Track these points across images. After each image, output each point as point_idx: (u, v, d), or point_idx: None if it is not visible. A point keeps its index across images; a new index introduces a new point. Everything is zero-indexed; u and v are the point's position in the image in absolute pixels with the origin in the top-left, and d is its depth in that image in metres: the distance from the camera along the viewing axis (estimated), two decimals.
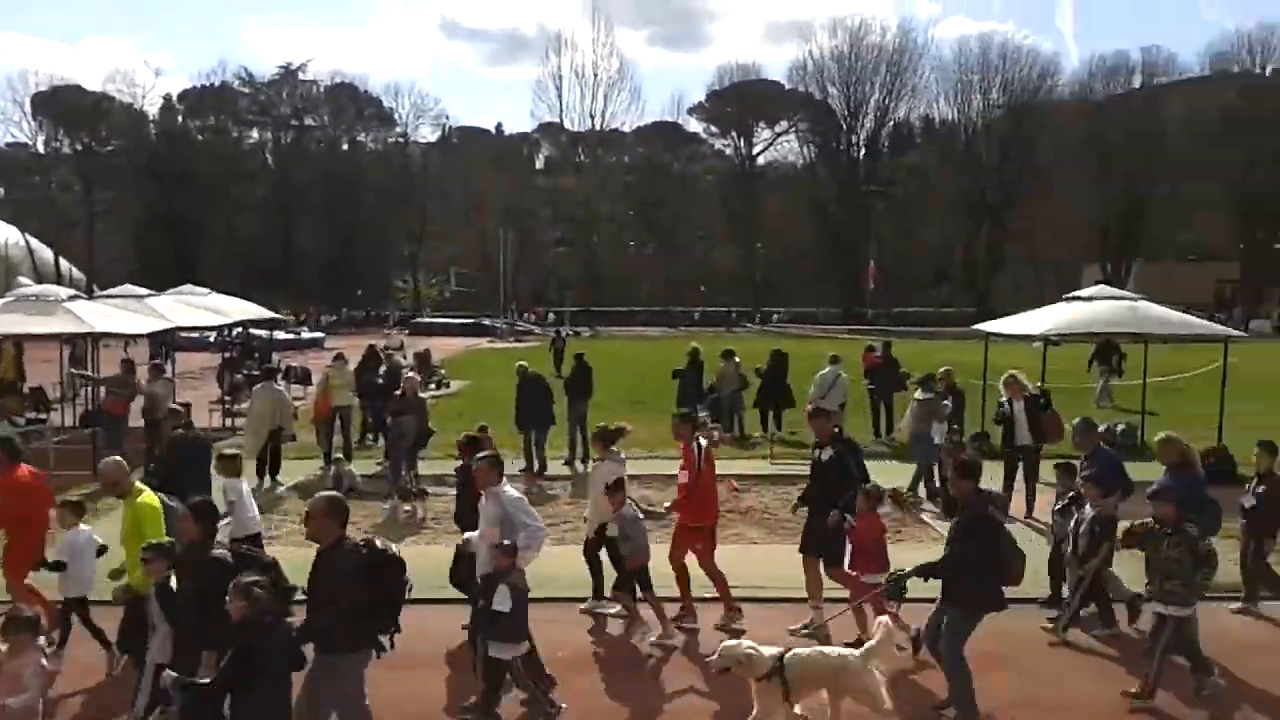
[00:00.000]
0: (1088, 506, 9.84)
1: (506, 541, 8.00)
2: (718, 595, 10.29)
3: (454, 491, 15.46)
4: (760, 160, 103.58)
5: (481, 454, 9.03)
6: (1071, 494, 10.36)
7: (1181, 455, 10.25)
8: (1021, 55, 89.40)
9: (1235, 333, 21.95)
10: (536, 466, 17.65)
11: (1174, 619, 8.22)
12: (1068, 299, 19.96)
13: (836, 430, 10.40)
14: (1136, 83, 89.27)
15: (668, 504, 10.58)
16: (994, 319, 23.81)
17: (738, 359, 21.99)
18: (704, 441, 10.56)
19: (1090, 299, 19.37)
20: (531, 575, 8.21)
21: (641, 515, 9.94)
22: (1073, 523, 9.96)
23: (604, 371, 26.07)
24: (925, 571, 7.93)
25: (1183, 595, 8.21)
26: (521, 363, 19.11)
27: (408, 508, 14.62)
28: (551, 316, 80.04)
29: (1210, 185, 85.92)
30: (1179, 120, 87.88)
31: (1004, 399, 15.06)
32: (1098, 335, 22.58)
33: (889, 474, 15.45)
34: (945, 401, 16.64)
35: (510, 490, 8.68)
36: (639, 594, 9.74)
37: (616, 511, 9.76)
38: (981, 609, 7.75)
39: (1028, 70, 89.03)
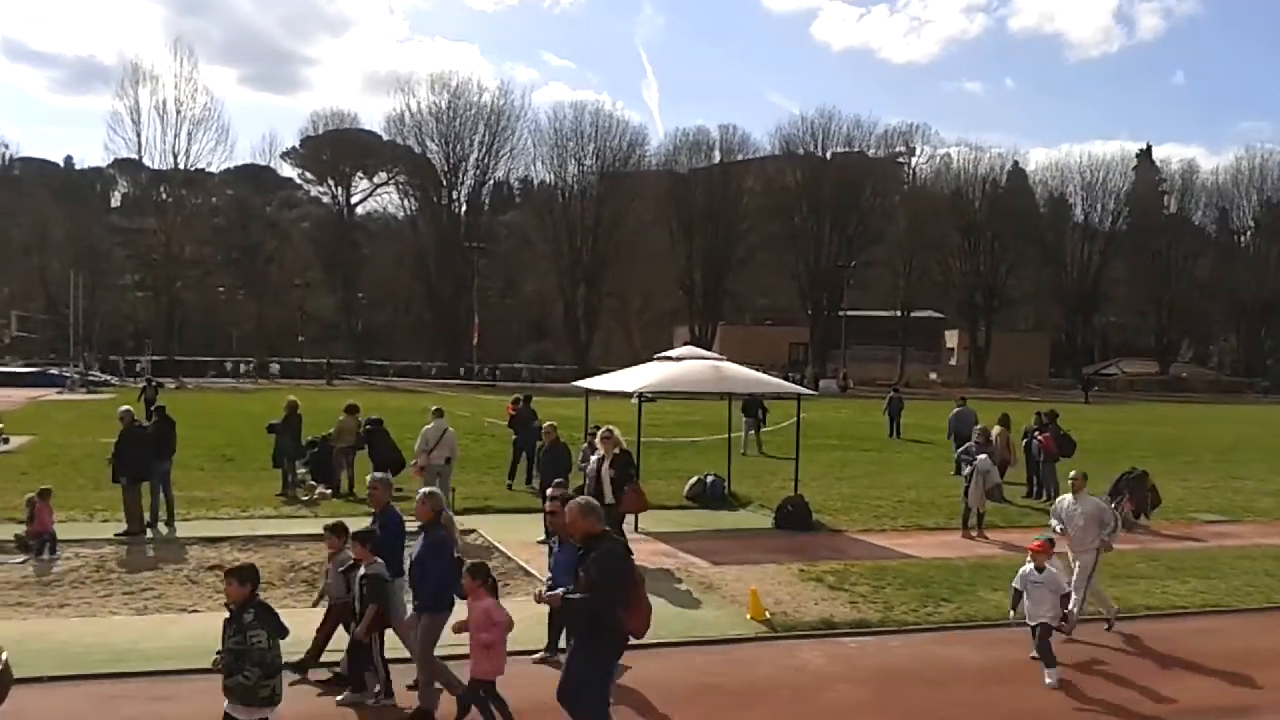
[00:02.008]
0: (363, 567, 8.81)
1: None
2: None
3: (16, 560, 13.97)
4: (360, 210, 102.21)
5: None
6: None
7: (435, 512, 8.80)
8: (613, 125, 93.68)
9: (806, 391, 23.98)
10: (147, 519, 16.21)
11: None
12: (659, 358, 20.91)
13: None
14: (716, 158, 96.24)
15: None
16: (593, 375, 24.62)
17: (360, 415, 21.17)
18: None
19: (680, 359, 20.38)
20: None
21: None
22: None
23: (192, 426, 24.47)
24: None
25: (243, 694, 6.76)
26: (126, 407, 17.38)
27: None
28: (141, 365, 73.22)
29: (782, 256, 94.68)
30: (753, 194, 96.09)
31: (597, 454, 15.26)
32: (689, 394, 23.89)
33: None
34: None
35: None
36: None
37: None
38: None
39: (618, 140, 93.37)
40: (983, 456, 17.72)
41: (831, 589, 13.21)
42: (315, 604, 10.23)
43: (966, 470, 17.76)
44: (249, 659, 6.77)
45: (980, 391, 71.32)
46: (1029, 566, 10.13)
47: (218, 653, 6.99)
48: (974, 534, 17.32)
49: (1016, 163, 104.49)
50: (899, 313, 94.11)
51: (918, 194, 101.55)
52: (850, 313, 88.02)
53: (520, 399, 24.04)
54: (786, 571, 14.13)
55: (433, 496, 8.94)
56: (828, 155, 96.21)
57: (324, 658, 9.56)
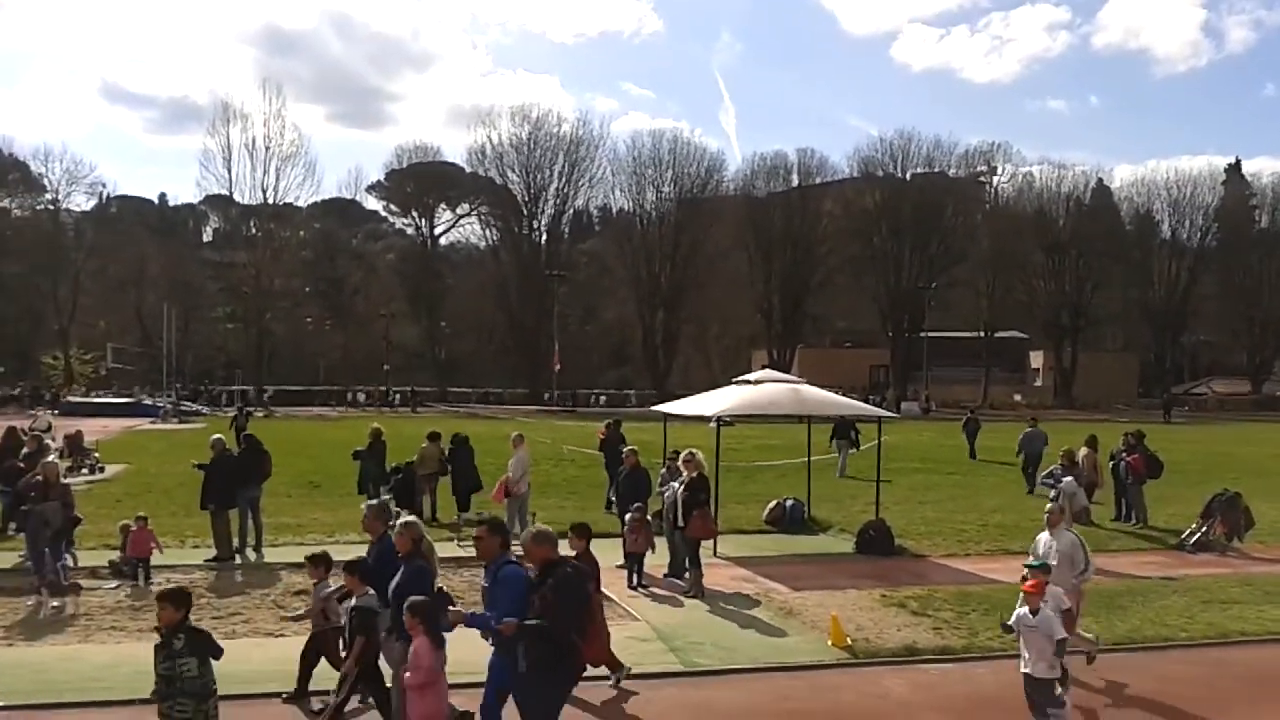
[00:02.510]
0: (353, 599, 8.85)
1: None
2: None
3: (110, 585, 14.37)
4: (443, 240, 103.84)
5: None
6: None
7: (414, 541, 8.54)
8: (690, 151, 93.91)
9: (888, 414, 23.72)
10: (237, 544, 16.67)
11: None
12: (737, 382, 20.83)
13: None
14: (795, 181, 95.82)
15: None
16: (672, 400, 24.61)
17: (442, 442, 21.47)
18: None
19: (758, 382, 20.25)
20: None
21: None
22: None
23: (279, 454, 24.93)
24: None
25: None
26: (218, 436, 17.82)
27: (56, 603, 13.23)
28: (249, 394, 75.05)
29: (862, 278, 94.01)
30: (832, 217, 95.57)
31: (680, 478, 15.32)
32: (767, 417, 23.76)
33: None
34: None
35: None
36: None
37: None
38: None
39: (696, 166, 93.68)
40: (1069, 479, 17.40)
41: (914, 615, 13.05)
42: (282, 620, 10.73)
43: (1053, 493, 17.43)
44: (180, 688, 6.75)
45: (1067, 413, 70.00)
46: (1023, 609, 8.86)
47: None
48: None
49: (1101, 180, 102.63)
50: (982, 333, 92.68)
51: (1000, 213, 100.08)
52: (932, 334, 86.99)
53: (611, 423, 24.06)
54: (868, 597, 13.99)
55: (411, 526, 8.69)
56: (907, 176, 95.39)
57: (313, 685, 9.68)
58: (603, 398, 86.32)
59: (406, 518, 9.21)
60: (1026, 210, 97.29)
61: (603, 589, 13.42)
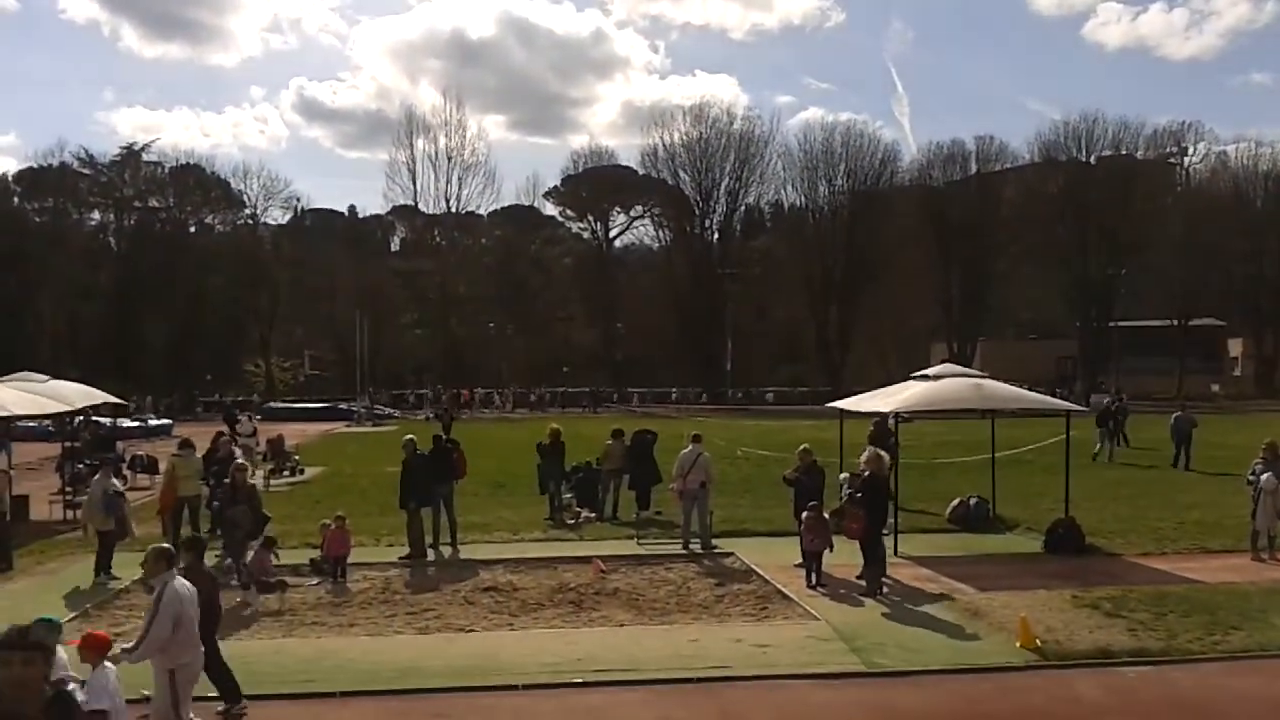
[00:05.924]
0: None
1: None
2: None
3: (311, 582, 15.15)
4: (617, 243, 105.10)
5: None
6: None
7: None
8: (864, 143, 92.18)
9: (1076, 407, 22.78)
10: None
11: None
12: (915, 377, 20.36)
13: None
14: (972, 169, 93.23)
15: None
16: (847, 397, 24.26)
17: (625, 439, 21.81)
18: None
19: (937, 377, 19.79)
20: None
21: None
22: None
23: (468, 454, 25.75)
24: None
25: None
26: (409, 437, 18.60)
27: (263, 599, 14.02)
28: (461, 392, 78.29)
29: (1046, 267, 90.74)
30: (1013, 205, 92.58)
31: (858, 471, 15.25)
32: (947, 412, 23.20)
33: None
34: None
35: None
36: None
37: None
38: None
39: (870, 158, 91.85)
40: (1268, 475, 16.40)
41: (1108, 616, 12.57)
42: None
43: (1252, 490, 16.55)
44: None
45: (1269, 403, 66.19)
46: None
47: None
48: (1265, 556, 16.08)
49: None
50: (1175, 322, 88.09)
51: (1192, 195, 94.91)
52: (1122, 324, 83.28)
53: (879, 420, 22.66)
54: (1058, 598, 13.56)
55: None
56: (1092, 160, 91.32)
57: None
58: (768, 395, 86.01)
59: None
60: (1221, 191, 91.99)
61: (783, 589, 13.44)
